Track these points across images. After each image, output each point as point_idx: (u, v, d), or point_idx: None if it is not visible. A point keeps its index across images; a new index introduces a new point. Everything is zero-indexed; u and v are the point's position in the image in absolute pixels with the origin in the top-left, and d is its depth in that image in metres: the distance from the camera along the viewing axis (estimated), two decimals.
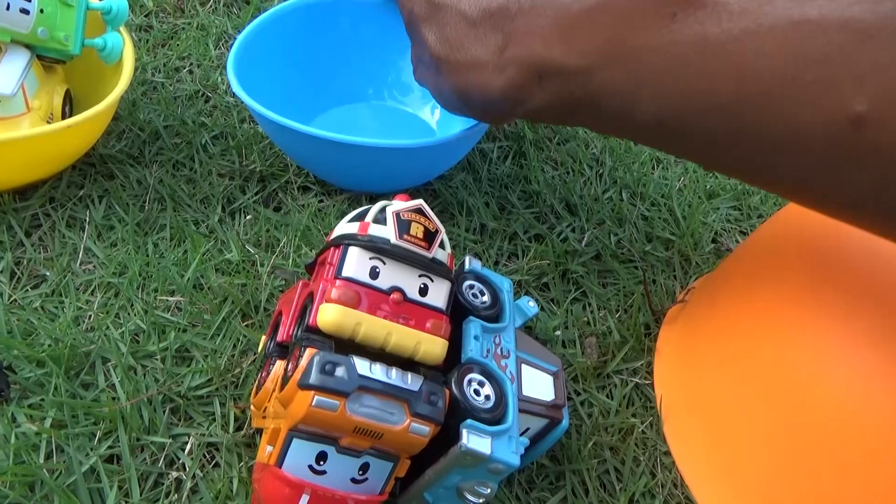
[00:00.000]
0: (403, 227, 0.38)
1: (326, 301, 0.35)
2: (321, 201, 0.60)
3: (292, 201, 0.59)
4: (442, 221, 0.60)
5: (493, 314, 0.42)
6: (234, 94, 0.66)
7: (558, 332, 0.52)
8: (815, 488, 0.39)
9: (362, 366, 0.33)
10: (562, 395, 0.42)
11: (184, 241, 0.54)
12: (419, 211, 0.38)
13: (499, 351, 0.41)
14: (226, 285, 0.49)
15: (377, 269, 0.37)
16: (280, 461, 0.34)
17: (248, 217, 0.56)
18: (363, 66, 0.66)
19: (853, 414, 0.37)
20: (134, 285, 0.49)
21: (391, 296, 0.36)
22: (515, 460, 0.36)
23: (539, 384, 0.42)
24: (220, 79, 0.70)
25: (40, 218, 0.54)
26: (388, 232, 0.37)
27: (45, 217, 0.54)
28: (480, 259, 0.57)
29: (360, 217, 0.38)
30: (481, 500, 0.38)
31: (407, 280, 0.37)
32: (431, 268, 0.38)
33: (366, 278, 0.36)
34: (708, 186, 0.69)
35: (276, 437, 0.35)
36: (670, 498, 0.44)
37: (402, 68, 0.65)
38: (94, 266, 0.51)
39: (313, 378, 0.32)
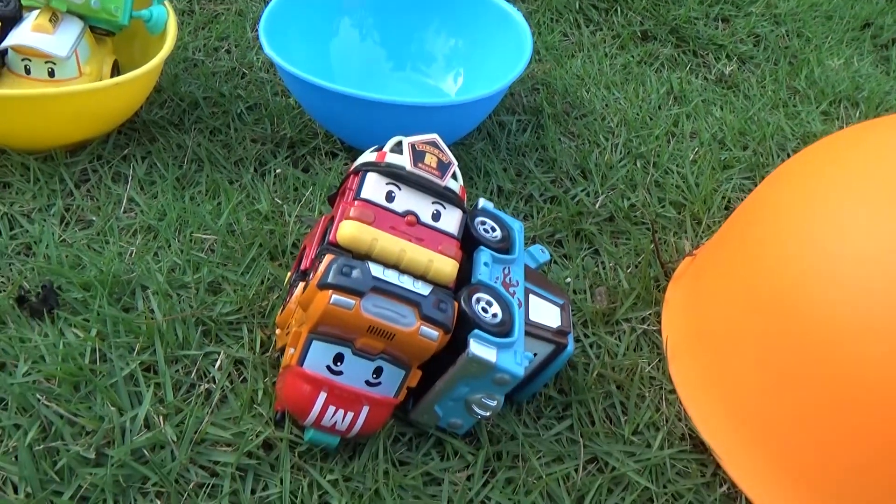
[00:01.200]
0: (419, 156, 0.40)
1: (346, 219, 0.38)
2: (345, 164, 0.63)
3: (320, 164, 0.63)
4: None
5: (504, 248, 0.45)
6: (268, 65, 0.71)
7: (569, 280, 0.54)
8: (808, 414, 0.40)
9: (376, 269, 0.36)
10: (567, 323, 0.44)
11: (218, 195, 0.58)
12: (434, 143, 0.41)
13: (507, 280, 0.43)
14: (256, 229, 0.53)
15: (393, 194, 0.40)
16: (301, 361, 0.37)
17: (277, 171, 0.60)
18: (386, 38, 0.69)
19: (845, 343, 0.39)
20: (172, 228, 0.53)
21: (406, 218, 0.39)
22: (519, 371, 0.38)
23: (546, 312, 0.44)
24: (255, 58, 0.75)
25: (88, 173, 0.58)
26: (403, 160, 0.40)
27: (92, 172, 0.59)
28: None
29: (378, 149, 0.42)
30: (488, 413, 0.40)
31: (421, 205, 0.40)
32: (444, 195, 0.41)
33: (382, 201, 0.39)
34: (723, 158, 0.70)
35: (297, 340, 0.37)
36: (674, 429, 0.46)
37: (423, 39, 0.69)
38: (136, 213, 0.55)
39: (332, 277, 0.35)
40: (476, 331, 0.38)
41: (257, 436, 0.39)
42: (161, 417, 0.39)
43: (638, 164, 0.67)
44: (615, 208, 0.62)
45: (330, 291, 0.35)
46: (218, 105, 0.68)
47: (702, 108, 0.78)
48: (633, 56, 0.85)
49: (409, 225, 0.39)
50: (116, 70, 0.65)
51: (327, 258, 0.36)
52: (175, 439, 0.38)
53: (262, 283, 0.50)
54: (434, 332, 0.36)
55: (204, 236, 0.52)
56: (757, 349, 0.43)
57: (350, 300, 0.35)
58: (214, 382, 0.42)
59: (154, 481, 0.36)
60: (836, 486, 0.40)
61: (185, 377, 0.42)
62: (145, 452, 0.37)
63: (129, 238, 0.52)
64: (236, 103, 0.68)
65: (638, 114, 0.74)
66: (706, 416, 0.45)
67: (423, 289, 0.37)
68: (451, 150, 0.65)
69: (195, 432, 0.39)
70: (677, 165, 0.68)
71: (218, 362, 0.43)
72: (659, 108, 0.76)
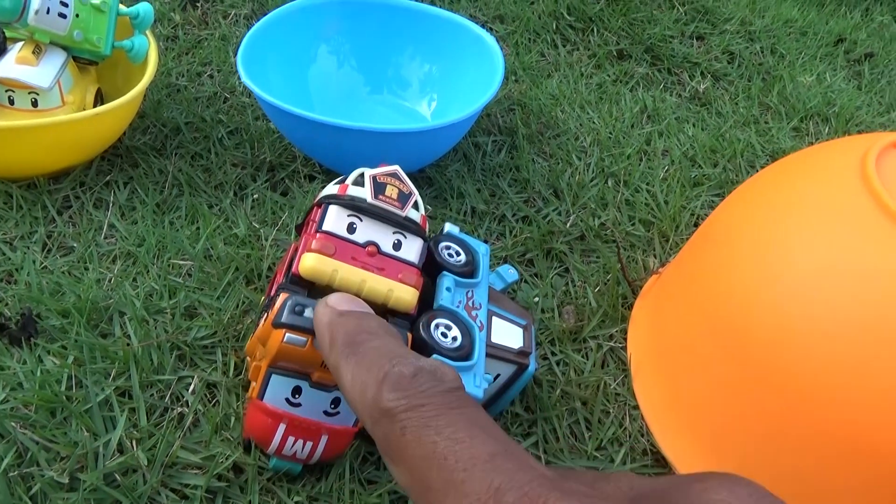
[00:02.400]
0: (380, 188, 0.42)
1: (307, 251, 0.40)
2: (323, 187, 0.65)
3: (298, 188, 0.65)
4: (434, 205, 0.65)
5: (468, 271, 0.46)
6: (249, 93, 0.72)
7: (537, 299, 0.55)
8: (760, 429, 0.41)
9: None
10: (529, 344, 0.45)
11: (197, 220, 0.59)
12: (395, 175, 0.43)
13: (470, 303, 0.45)
14: (232, 254, 0.54)
15: (354, 225, 0.41)
16: (261, 394, 0.38)
17: (255, 196, 0.61)
18: (363, 63, 0.71)
19: (793, 361, 0.40)
20: (150, 254, 0.54)
21: (367, 248, 0.41)
22: (478, 393, 0.39)
23: (508, 334, 0.45)
24: (237, 82, 0.76)
25: (71, 200, 0.60)
26: (365, 192, 0.42)
27: (75, 199, 0.60)
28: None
29: (342, 181, 0.43)
30: None
31: (382, 236, 0.42)
32: (405, 226, 0.42)
33: (344, 233, 0.41)
34: (693, 176, 0.72)
35: (257, 374, 0.39)
36: (636, 444, 0.47)
37: (399, 64, 0.71)
38: (116, 239, 0.56)
39: (284, 317, 0.36)
40: (434, 356, 0.39)
41: (227, 459, 0.41)
42: (134, 442, 0.41)
43: (609, 183, 0.69)
44: (586, 227, 0.64)
45: (284, 330, 0.36)
46: (199, 130, 0.69)
47: (675, 125, 0.79)
48: (608, 75, 0.86)
49: (370, 255, 0.40)
50: (100, 98, 0.67)
51: (281, 297, 0.38)
52: (146, 463, 0.39)
53: (238, 307, 0.51)
54: None
55: (181, 262, 0.54)
56: (711, 366, 0.44)
57: (302, 338, 0.36)
58: (187, 406, 0.44)
59: None
60: (791, 496, 0.41)
61: (160, 401, 0.44)
62: (117, 477, 0.39)
63: (108, 264, 0.54)
64: (217, 128, 0.70)
65: (611, 133, 0.76)
66: (667, 431, 0.47)
67: None
68: (426, 172, 0.67)
69: (166, 456, 0.40)
70: (647, 184, 0.70)
71: (192, 386, 0.45)
72: (632, 126, 0.78)
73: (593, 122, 0.77)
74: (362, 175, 0.42)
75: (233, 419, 0.43)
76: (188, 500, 0.39)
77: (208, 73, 0.78)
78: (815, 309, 0.39)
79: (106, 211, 0.59)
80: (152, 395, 0.44)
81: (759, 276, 0.43)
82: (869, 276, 0.38)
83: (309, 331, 0.37)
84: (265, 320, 0.38)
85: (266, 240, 0.58)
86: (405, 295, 0.40)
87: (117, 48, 0.64)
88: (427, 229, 0.44)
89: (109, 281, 0.52)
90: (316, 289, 0.40)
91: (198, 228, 0.58)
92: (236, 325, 0.50)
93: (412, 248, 0.42)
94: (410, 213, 0.42)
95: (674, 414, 0.47)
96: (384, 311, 0.41)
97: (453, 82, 0.70)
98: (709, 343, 0.45)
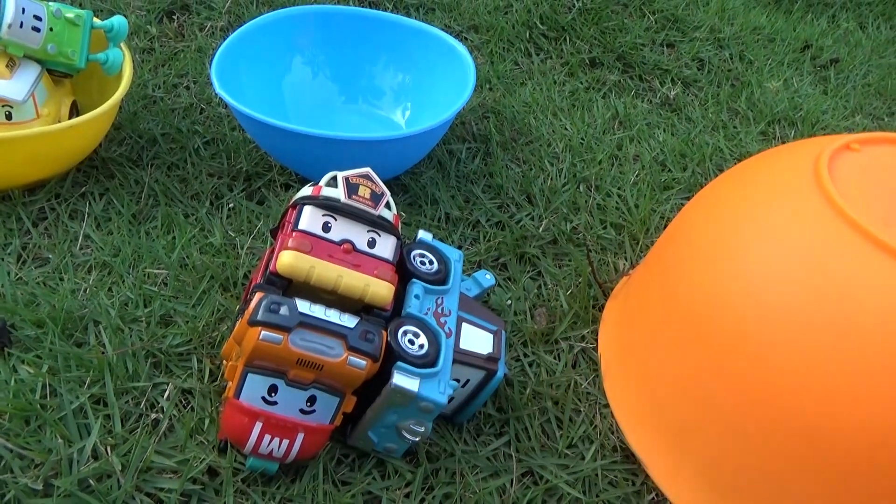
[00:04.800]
0: (353, 188, 0.43)
1: (284, 249, 0.40)
2: None
3: (274, 197, 0.65)
4: (409, 212, 0.66)
5: (439, 279, 0.47)
6: (225, 104, 0.73)
7: (509, 302, 0.56)
8: (723, 423, 0.43)
9: (303, 305, 0.39)
10: (499, 350, 0.46)
11: (173, 230, 0.60)
12: (367, 176, 0.44)
13: (439, 310, 0.46)
14: (208, 262, 0.55)
15: (329, 224, 0.42)
16: (237, 393, 0.39)
17: (230, 205, 0.62)
18: (337, 73, 0.72)
19: (754, 357, 0.42)
20: (126, 264, 0.55)
21: (342, 246, 0.42)
22: (442, 399, 0.40)
23: (478, 340, 0.46)
24: (213, 93, 0.77)
25: (46, 211, 0.60)
26: (338, 193, 0.43)
27: (50, 210, 0.60)
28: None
29: (314, 184, 0.44)
30: (417, 438, 0.42)
31: (356, 234, 0.43)
32: (378, 224, 0.43)
33: (319, 231, 0.42)
34: (663, 180, 0.74)
35: (234, 373, 0.40)
36: (606, 441, 0.48)
37: (373, 74, 0.72)
38: (92, 250, 0.57)
39: (261, 315, 0.37)
40: (399, 363, 0.40)
41: (202, 462, 0.41)
42: (108, 448, 0.41)
43: (581, 188, 0.71)
44: (558, 231, 0.65)
45: (259, 328, 0.37)
46: (176, 141, 0.70)
47: (645, 131, 0.81)
48: (581, 83, 0.88)
49: (345, 252, 0.41)
50: (75, 110, 0.67)
51: (257, 296, 0.38)
52: (121, 468, 0.40)
53: (213, 314, 0.52)
54: (361, 362, 0.39)
55: (157, 271, 0.54)
56: (675, 363, 0.46)
57: (278, 336, 0.37)
58: (163, 412, 0.44)
59: None
60: (754, 490, 0.42)
61: (135, 408, 0.44)
62: (91, 482, 0.39)
63: (83, 274, 0.54)
64: (193, 139, 0.70)
65: (583, 139, 0.78)
66: (635, 428, 0.48)
67: (349, 321, 0.39)
68: (401, 179, 0.68)
69: (141, 461, 0.41)
70: (618, 188, 0.71)
71: (167, 393, 0.45)
72: (604, 132, 0.80)
73: (566, 129, 0.79)
74: (335, 177, 0.43)
75: (207, 422, 0.44)
76: (163, 503, 0.40)
77: (184, 85, 0.79)
78: (771, 305, 0.41)
79: (81, 222, 0.59)
80: (127, 402, 0.44)
81: (718, 274, 0.44)
82: (822, 272, 0.40)
83: (284, 328, 0.37)
84: (241, 320, 0.39)
85: (242, 248, 0.58)
86: (381, 290, 0.41)
87: (92, 61, 0.65)
88: (399, 228, 0.45)
89: (85, 291, 0.52)
90: (293, 287, 0.41)
91: (174, 238, 0.59)
92: (212, 332, 0.50)
93: (386, 246, 0.43)
94: (383, 212, 0.43)
95: (642, 411, 0.48)
96: (361, 306, 0.42)
97: (426, 91, 0.71)
98: (672, 341, 0.46)
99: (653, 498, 0.46)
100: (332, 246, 0.41)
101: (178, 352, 0.48)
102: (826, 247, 0.40)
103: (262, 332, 0.37)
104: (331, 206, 0.42)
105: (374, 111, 0.73)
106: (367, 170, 0.44)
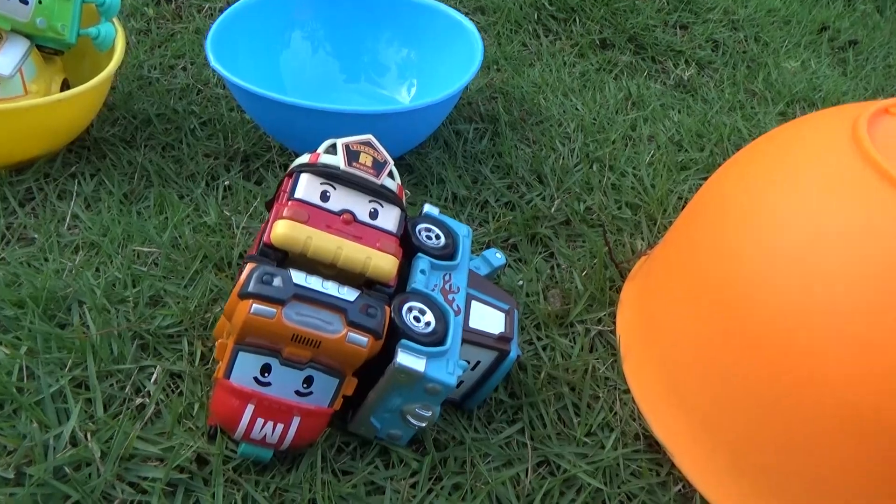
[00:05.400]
0: (353, 155, 0.40)
1: (279, 219, 0.37)
2: None
3: (273, 177, 0.62)
4: (414, 192, 0.62)
5: (446, 254, 0.44)
6: (223, 84, 0.70)
7: (521, 283, 0.53)
8: (756, 408, 0.39)
9: (298, 276, 0.35)
10: (511, 330, 0.43)
11: (166, 210, 0.57)
12: (368, 143, 0.41)
13: (447, 287, 0.42)
14: (201, 241, 0.52)
15: (328, 193, 0.39)
16: (228, 373, 0.36)
17: (226, 183, 0.59)
18: (338, 49, 0.69)
19: (785, 334, 0.38)
20: (115, 244, 0.52)
21: (342, 216, 0.38)
22: (451, 380, 0.37)
23: (489, 319, 0.43)
24: (211, 74, 0.74)
25: (34, 192, 0.57)
26: (338, 160, 0.40)
27: (38, 190, 0.57)
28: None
29: (313, 152, 0.41)
30: (423, 424, 0.39)
31: (357, 204, 0.39)
32: (381, 194, 0.40)
33: (317, 201, 0.38)
34: (679, 160, 0.70)
35: (224, 352, 0.36)
36: (627, 429, 0.45)
37: (376, 50, 0.69)
38: (81, 230, 0.54)
39: (252, 287, 0.34)
40: (403, 340, 0.37)
41: (189, 449, 0.38)
42: (88, 434, 0.38)
43: (594, 168, 0.67)
44: (571, 212, 0.62)
45: (250, 301, 0.34)
46: (171, 121, 0.67)
47: (660, 111, 0.78)
48: (591, 64, 0.85)
49: (345, 223, 0.38)
50: (66, 88, 0.64)
51: (248, 266, 0.35)
52: (100, 455, 0.37)
53: (205, 295, 0.48)
54: (363, 339, 0.35)
55: (147, 249, 0.51)
56: (702, 342, 0.42)
57: (271, 309, 0.34)
58: (149, 396, 0.41)
59: (75, 500, 0.35)
60: (791, 480, 0.39)
61: (119, 392, 0.41)
62: (67, 470, 0.36)
63: (70, 255, 0.51)
64: (190, 119, 0.67)
65: (595, 119, 0.74)
66: (659, 414, 0.44)
67: (349, 294, 0.36)
68: (405, 159, 0.65)
69: (122, 448, 0.37)
70: (633, 168, 0.68)
71: (154, 376, 0.42)
72: (616, 112, 0.77)
73: (577, 109, 0.76)
74: (334, 145, 0.40)
75: (197, 407, 0.41)
76: (146, 493, 0.36)
77: (181, 66, 0.76)
78: (810, 275, 0.37)
79: (70, 202, 0.57)
80: (112, 385, 0.41)
81: (750, 245, 0.40)
82: (865, 237, 0.36)
83: (277, 300, 0.34)
84: (232, 293, 0.36)
85: (237, 228, 0.55)
86: (384, 263, 0.38)
87: (83, 36, 0.62)
88: (404, 199, 0.42)
89: (71, 271, 0.49)
90: (289, 261, 0.38)
91: (166, 218, 0.55)
92: (203, 313, 0.47)
93: (389, 217, 0.40)
94: (386, 181, 0.40)
95: (665, 396, 0.44)
96: (363, 281, 0.39)
97: (432, 67, 0.68)
98: (700, 319, 0.43)
99: (680, 489, 0.43)
100: (330, 216, 0.38)
101: (167, 333, 0.45)
102: (871, 211, 0.37)
103: (254, 306, 0.34)
104: (329, 174, 0.39)
105: (376, 90, 0.70)
106: (368, 137, 0.41)
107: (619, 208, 0.63)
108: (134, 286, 0.48)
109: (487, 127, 0.71)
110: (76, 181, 0.58)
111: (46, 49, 0.62)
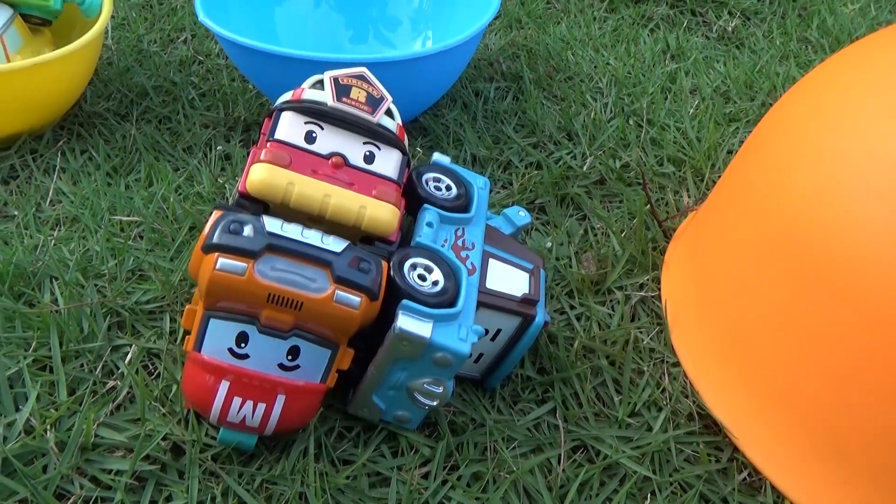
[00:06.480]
0: (343, 90, 0.34)
1: (255, 163, 0.32)
2: None
3: None
4: (429, 155, 0.56)
5: (459, 206, 0.38)
6: (225, 55, 0.65)
7: (549, 245, 0.47)
8: (839, 377, 0.32)
9: (273, 224, 0.30)
10: (536, 291, 0.36)
11: (156, 182, 0.52)
12: (362, 77, 0.35)
13: (460, 242, 0.36)
14: (190, 210, 0.47)
15: (314, 134, 0.33)
16: (198, 345, 0.30)
17: (219, 148, 0.54)
18: (343, 1, 0.63)
19: (872, 284, 0.31)
20: (98, 217, 0.47)
21: (331, 160, 0.33)
22: (463, 348, 0.31)
23: (510, 279, 0.36)
24: (213, 45, 0.70)
25: (18, 168, 0.53)
26: (325, 95, 0.34)
27: (23, 167, 0.53)
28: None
29: (297, 87, 0.35)
30: (434, 402, 0.32)
31: (350, 146, 0.33)
32: (377, 134, 0.34)
33: (301, 142, 0.33)
34: (728, 112, 0.63)
35: (192, 319, 0.31)
36: (678, 407, 0.38)
37: (385, 1, 0.63)
38: (64, 204, 0.49)
39: (217, 237, 0.28)
40: (405, 301, 0.31)
41: (160, 437, 0.32)
42: (46, 421, 0.33)
43: (630, 122, 0.60)
44: (606, 169, 0.55)
45: (216, 254, 0.28)
46: (168, 93, 0.62)
47: (702, 64, 0.70)
48: (624, 18, 0.78)
49: (335, 167, 0.32)
50: None
51: (214, 214, 0.30)
52: (56, 446, 0.32)
53: None
54: (354, 298, 0.29)
55: (129, 219, 0.46)
56: (770, 300, 0.35)
57: (241, 263, 0.28)
58: (121, 379, 0.36)
59: (23, 496, 0.30)
60: (880, 463, 0.31)
61: (88, 374, 0.36)
62: (16, 463, 0.31)
63: (49, 230, 0.47)
64: (188, 90, 0.63)
65: (630, 72, 0.67)
66: (718, 389, 0.37)
67: (336, 245, 0.30)
68: (419, 121, 0.58)
69: (83, 436, 0.32)
70: (675, 121, 0.60)
71: (128, 356, 0.37)
72: (653, 65, 0.69)
73: (609, 64, 0.69)
74: (321, 80, 0.35)
75: (175, 389, 0.35)
76: (109, 489, 0.31)
77: (182, 39, 0.71)
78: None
79: (55, 177, 0.52)
80: (82, 366, 0.36)
81: (824, 179, 0.33)
82: None
83: (248, 253, 0.28)
84: (195, 248, 0.30)
85: (231, 196, 0.50)
86: (381, 213, 0.32)
87: (68, 2, 0.58)
88: (406, 142, 0.36)
89: (44, 246, 0.45)
90: (270, 213, 0.32)
91: (156, 190, 0.51)
92: (189, 287, 0.42)
93: (388, 161, 0.34)
94: (383, 119, 0.34)
95: (724, 368, 0.37)
96: (358, 235, 0.33)
97: (448, 16, 0.61)
98: (766, 274, 0.36)
99: (745, 478, 0.35)
100: (317, 160, 0.32)
101: (146, 309, 0.40)
102: None
103: (220, 260, 0.28)
104: (316, 112, 0.33)
105: (387, 50, 0.64)
106: (362, 69, 0.35)
107: (661, 164, 0.56)
108: (113, 259, 0.43)
109: (510, 85, 0.64)
110: (65, 157, 0.54)
111: (33, 19, 0.58)
